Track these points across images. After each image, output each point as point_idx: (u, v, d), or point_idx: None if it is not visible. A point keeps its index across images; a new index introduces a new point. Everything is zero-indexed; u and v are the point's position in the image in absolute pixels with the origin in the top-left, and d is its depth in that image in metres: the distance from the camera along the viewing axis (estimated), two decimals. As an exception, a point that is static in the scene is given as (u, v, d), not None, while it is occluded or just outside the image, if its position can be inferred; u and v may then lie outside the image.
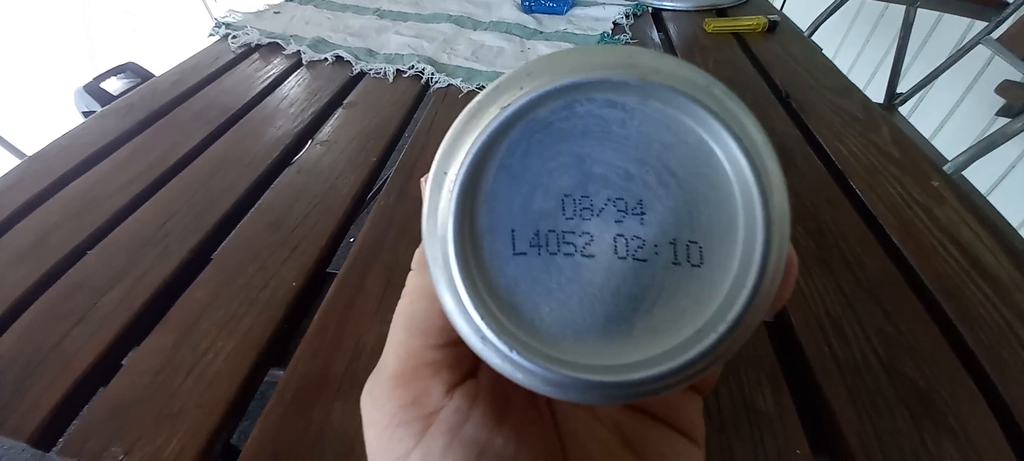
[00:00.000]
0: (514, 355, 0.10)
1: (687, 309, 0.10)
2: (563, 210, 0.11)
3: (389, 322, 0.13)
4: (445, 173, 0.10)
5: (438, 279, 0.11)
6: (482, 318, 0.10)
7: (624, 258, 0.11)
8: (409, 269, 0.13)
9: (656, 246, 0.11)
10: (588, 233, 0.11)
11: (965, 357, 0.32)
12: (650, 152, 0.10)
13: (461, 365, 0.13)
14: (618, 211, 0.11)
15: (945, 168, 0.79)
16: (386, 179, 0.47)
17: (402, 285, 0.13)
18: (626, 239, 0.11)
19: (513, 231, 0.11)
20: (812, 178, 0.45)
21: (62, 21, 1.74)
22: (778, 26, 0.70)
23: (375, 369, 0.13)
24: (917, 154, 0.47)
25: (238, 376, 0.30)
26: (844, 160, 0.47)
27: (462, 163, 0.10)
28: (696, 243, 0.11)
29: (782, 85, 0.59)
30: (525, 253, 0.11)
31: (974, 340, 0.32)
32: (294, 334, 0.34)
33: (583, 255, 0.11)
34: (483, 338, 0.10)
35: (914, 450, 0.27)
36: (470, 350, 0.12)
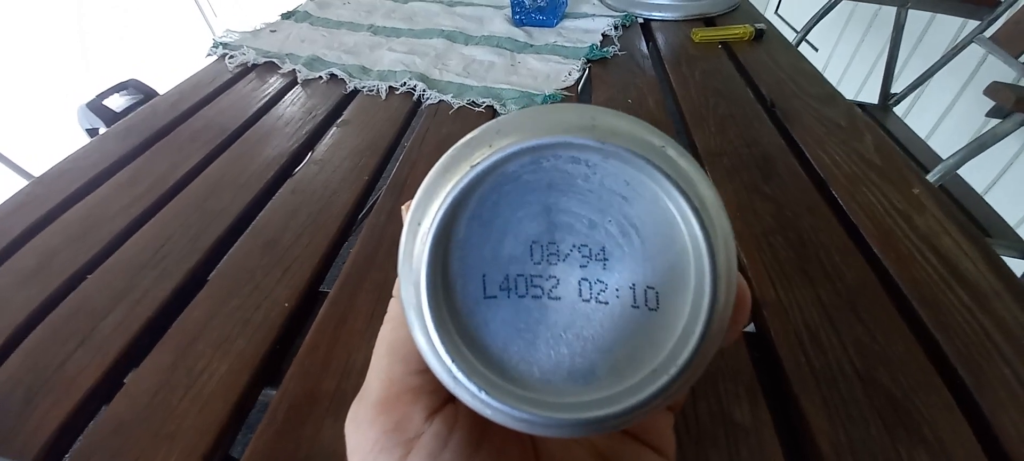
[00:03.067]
0: (483, 395, 0.11)
1: (644, 349, 0.11)
2: (531, 255, 0.12)
3: None
4: (419, 224, 0.11)
5: (412, 321, 0.12)
6: (453, 360, 0.11)
7: (588, 301, 0.12)
8: None
9: (617, 290, 0.12)
10: (554, 277, 0.12)
11: (941, 366, 0.32)
12: (611, 204, 0.11)
13: (441, 390, 0.13)
14: (582, 257, 0.12)
15: (936, 170, 0.80)
16: (378, 198, 0.48)
17: None
18: (590, 283, 0.12)
19: (484, 276, 0.12)
20: (794, 187, 0.46)
21: (54, 18, 1.74)
22: (764, 34, 0.71)
23: (359, 394, 0.14)
24: (899, 162, 0.48)
25: (232, 396, 0.31)
26: (826, 168, 0.48)
27: (435, 216, 0.11)
28: (653, 289, 0.11)
29: (767, 94, 0.60)
30: (495, 297, 0.12)
31: (951, 348, 0.33)
32: (287, 354, 0.35)
33: (550, 297, 0.12)
34: (454, 378, 0.11)
35: (887, 459, 0.28)
36: None
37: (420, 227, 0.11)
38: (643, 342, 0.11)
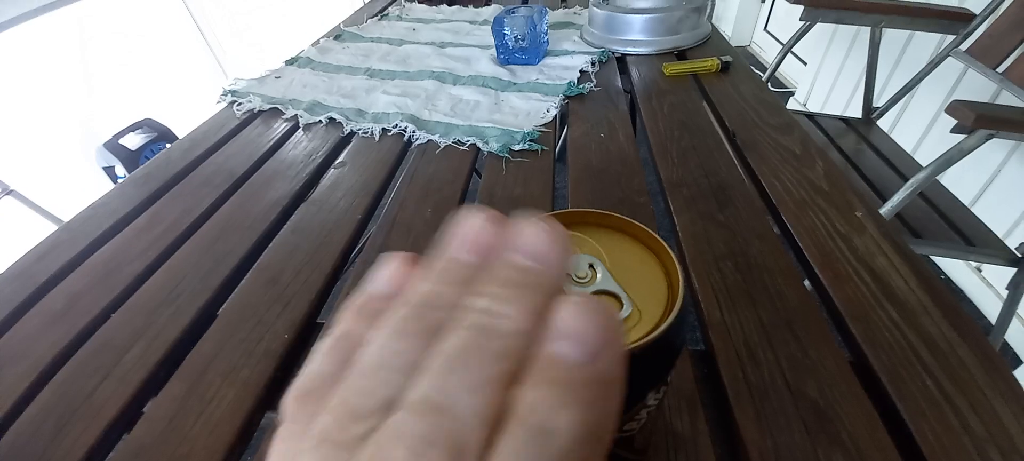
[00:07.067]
0: None
1: None
2: None
3: None
4: None
5: None
6: None
7: None
8: None
9: None
10: None
11: (866, 378, 0.36)
12: None
13: None
14: None
15: (905, 186, 0.83)
16: (369, 236, 0.53)
17: None
18: None
19: None
20: (747, 214, 0.50)
21: (56, 48, 1.81)
22: (730, 66, 0.76)
23: None
24: (845, 187, 0.52)
25: (238, 421, 0.36)
26: (778, 195, 0.52)
27: None
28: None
29: (730, 125, 0.64)
30: None
31: (877, 362, 0.37)
32: (286, 380, 0.40)
33: None
34: None
35: (808, 462, 0.31)
36: None
37: None
38: None
